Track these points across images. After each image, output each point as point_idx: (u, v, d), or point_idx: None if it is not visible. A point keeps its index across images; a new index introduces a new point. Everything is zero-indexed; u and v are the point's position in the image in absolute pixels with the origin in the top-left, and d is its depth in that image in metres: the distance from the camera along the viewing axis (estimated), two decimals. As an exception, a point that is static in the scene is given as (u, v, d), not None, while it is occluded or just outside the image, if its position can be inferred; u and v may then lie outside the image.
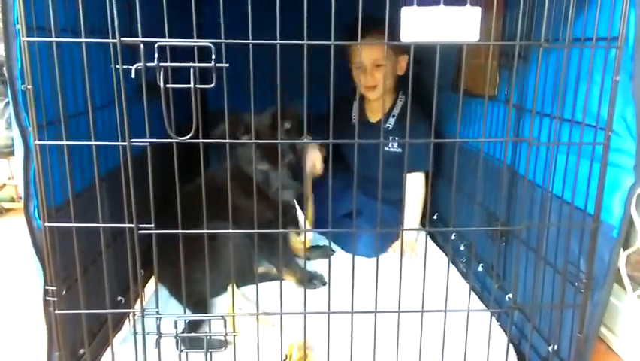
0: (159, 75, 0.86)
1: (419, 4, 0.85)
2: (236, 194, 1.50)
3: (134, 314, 1.05)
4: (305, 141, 1.03)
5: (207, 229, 1.03)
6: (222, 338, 1.10)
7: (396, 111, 2.01)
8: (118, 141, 0.92)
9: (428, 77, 1.96)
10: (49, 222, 0.97)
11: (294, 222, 1.80)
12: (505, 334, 1.20)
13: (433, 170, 1.98)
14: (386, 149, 2.00)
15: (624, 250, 1.43)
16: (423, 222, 1.98)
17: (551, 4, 0.94)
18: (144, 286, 1.50)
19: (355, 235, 1.77)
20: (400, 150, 2.00)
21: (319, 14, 0.93)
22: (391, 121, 2.01)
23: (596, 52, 0.99)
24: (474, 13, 0.86)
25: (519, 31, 0.99)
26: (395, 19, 0.88)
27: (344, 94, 2.06)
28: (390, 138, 1.99)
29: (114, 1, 0.84)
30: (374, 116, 2.07)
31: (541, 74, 1.13)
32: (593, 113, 1.02)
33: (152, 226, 0.97)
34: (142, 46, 0.85)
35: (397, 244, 1.89)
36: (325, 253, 1.84)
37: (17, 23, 0.90)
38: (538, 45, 0.97)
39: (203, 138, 0.92)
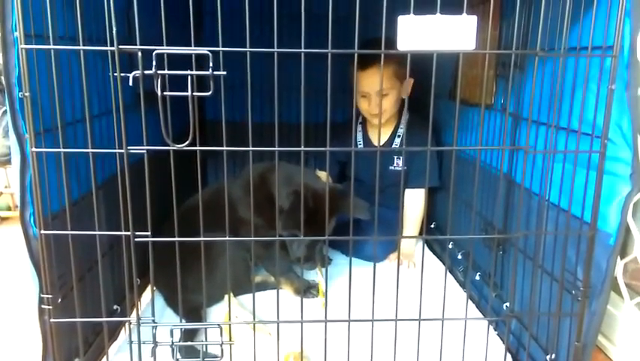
0: (157, 83, 0.86)
1: (415, 13, 0.86)
2: (245, 207, 1.52)
3: (130, 323, 1.05)
4: (302, 148, 1.03)
5: (205, 240, 1.03)
6: (218, 348, 1.10)
7: (401, 131, 2.02)
8: (115, 149, 0.92)
9: (427, 86, 1.97)
10: (45, 229, 0.97)
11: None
12: (503, 343, 1.19)
13: (435, 182, 2.00)
14: (391, 168, 2.02)
15: (621, 258, 1.43)
16: (420, 231, 1.98)
17: (547, 13, 0.95)
18: (140, 295, 1.49)
19: (353, 243, 1.77)
20: (405, 167, 2.00)
21: (319, 27, 0.94)
22: (397, 141, 2.02)
23: (591, 61, 1.00)
24: (470, 22, 0.86)
25: (515, 41, 1.00)
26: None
27: (345, 117, 2.07)
28: (395, 157, 2.01)
29: (112, 9, 0.84)
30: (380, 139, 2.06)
31: (537, 83, 1.14)
32: (589, 122, 1.02)
33: (149, 233, 0.97)
34: (140, 54, 0.85)
35: (395, 253, 1.90)
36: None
37: (15, 31, 0.90)
38: (534, 54, 0.97)
39: (200, 146, 0.92)
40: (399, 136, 2.02)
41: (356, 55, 0.93)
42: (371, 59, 1.71)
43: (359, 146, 2.07)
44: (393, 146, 2.01)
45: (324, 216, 1.33)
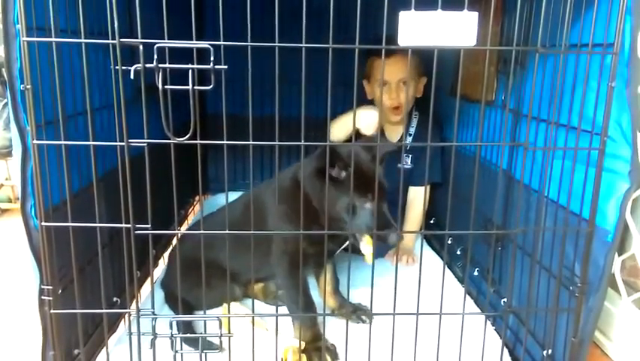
0: (158, 76, 0.86)
1: (417, 9, 0.86)
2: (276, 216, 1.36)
3: (130, 315, 1.05)
4: (302, 142, 1.03)
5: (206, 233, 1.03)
6: (217, 341, 1.11)
7: (412, 130, 2.05)
8: (116, 142, 0.93)
9: (429, 82, 1.99)
10: (46, 221, 0.98)
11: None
12: (500, 337, 1.20)
13: (438, 178, 2.02)
14: (399, 166, 2.03)
15: (619, 255, 1.43)
16: (419, 227, 1.99)
17: (548, 10, 0.95)
18: (140, 287, 1.50)
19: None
20: (412, 165, 2.05)
21: (320, 21, 0.94)
22: (408, 140, 2.04)
23: (592, 58, 1.00)
24: (471, 18, 0.86)
25: (516, 37, 1.00)
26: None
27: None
28: (405, 155, 2.02)
29: (114, 3, 0.85)
30: (392, 138, 2.09)
31: (537, 80, 1.14)
32: (588, 119, 1.02)
33: (149, 226, 0.97)
34: (141, 47, 0.85)
35: (395, 249, 1.90)
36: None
37: (17, 23, 0.90)
38: (535, 50, 0.97)
39: (200, 140, 0.92)
40: (410, 135, 2.04)
41: (356, 50, 0.92)
42: (390, 49, 1.70)
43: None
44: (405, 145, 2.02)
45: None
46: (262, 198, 1.39)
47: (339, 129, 1.80)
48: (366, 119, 1.73)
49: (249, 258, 1.09)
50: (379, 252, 1.91)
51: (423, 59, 1.92)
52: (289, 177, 1.34)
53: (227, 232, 1.02)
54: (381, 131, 2.07)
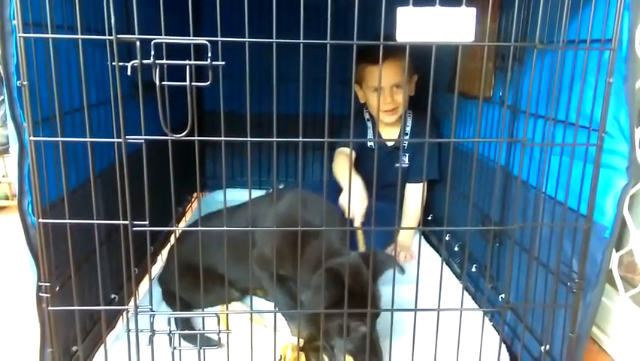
0: (155, 73, 0.86)
1: (415, 5, 0.86)
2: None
3: (128, 312, 1.05)
4: (300, 139, 1.03)
5: (204, 230, 1.03)
6: (216, 337, 1.11)
7: (408, 129, 2.03)
8: (113, 139, 0.92)
9: (429, 81, 1.98)
10: (43, 218, 0.97)
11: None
12: (498, 333, 1.20)
13: (435, 175, 2.02)
14: (397, 165, 2.03)
15: (617, 251, 1.43)
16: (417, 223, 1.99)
17: (546, 6, 0.95)
18: (138, 284, 1.49)
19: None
20: (409, 163, 2.05)
21: (319, 18, 0.94)
22: (405, 139, 2.03)
23: (590, 54, 1.00)
24: (469, 13, 0.86)
25: (514, 33, 1.00)
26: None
27: (344, 109, 2.05)
28: (402, 154, 2.01)
29: (111, -1, 0.84)
30: (389, 138, 2.08)
31: (535, 76, 1.14)
32: (586, 115, 1.02)
33: (147, 223, 0.97)
34: (138, 43, 0.85)
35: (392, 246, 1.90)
36: None
37: (13, 19, 0.90)
38: (533, 46, 0.97)
39: (198, 136, 0.92)
40: (406, 134, 2.03)
41: (355, 47, 0.92)
42: (389, 52, 1.66)
43: (369, 144, 2.07)
44: (403, 144, 2.02)
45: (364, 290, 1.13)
46: (257, 225, 1.37)
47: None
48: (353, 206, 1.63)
49: (243, 268, 1.09)
50: (378, 245, 1.92)
51: (416, 57, 1.91)
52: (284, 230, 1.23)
53: (225, 228, 1.01)
54: (378, 134, 2.08)
